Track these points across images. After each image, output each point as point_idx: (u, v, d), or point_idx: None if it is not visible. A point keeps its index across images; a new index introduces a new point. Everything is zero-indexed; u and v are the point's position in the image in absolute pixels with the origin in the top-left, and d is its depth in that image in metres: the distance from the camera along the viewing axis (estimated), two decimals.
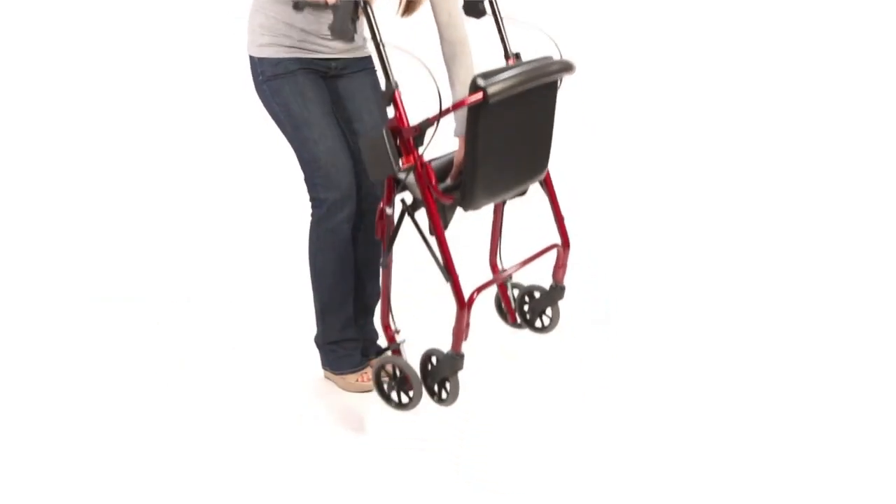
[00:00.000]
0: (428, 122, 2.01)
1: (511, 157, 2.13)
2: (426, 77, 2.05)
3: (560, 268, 2.44)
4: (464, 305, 2.10)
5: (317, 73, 2.42)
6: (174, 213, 4.15)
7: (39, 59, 4.27)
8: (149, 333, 3.21)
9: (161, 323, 3.26)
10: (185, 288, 3.48)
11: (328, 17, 2.30)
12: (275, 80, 2.38)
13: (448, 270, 2.10)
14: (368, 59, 2.52)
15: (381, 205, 2.20)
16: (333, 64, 2.44)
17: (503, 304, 2.63)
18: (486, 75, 1.97)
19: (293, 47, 2.37)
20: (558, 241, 2.40)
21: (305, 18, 2.32)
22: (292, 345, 2.96)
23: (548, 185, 2.38)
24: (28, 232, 4.01)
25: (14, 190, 4.36)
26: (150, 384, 3.09)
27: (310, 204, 2.48)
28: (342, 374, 2.66)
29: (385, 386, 2.31)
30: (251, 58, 2.42)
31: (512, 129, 2.09)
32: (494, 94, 1.94)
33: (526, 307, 2.62)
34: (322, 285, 2.54)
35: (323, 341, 2.64)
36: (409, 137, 2.03)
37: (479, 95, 1.93)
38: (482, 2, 2.36)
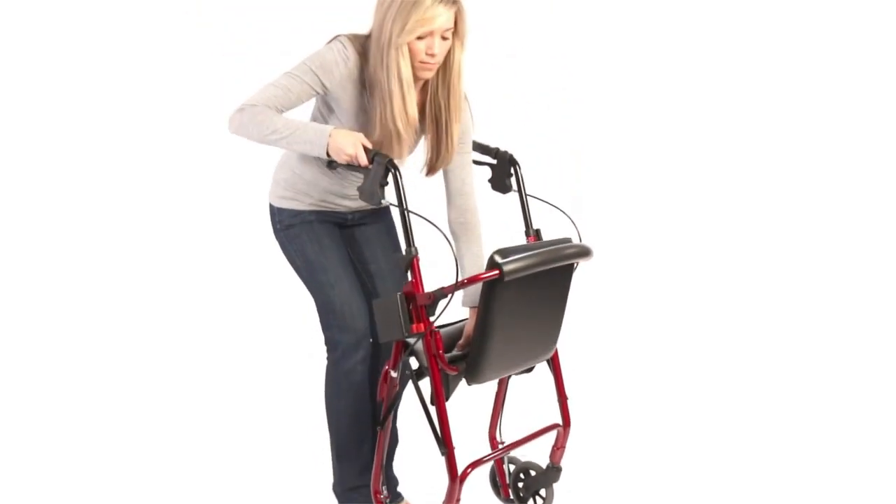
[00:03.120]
0: (443, 293, 2.01)
1: (521, 334, 2.13)
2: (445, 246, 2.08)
3: (559, 449, 2.40)
4: (456, 479, 2.06)
5: (333, 223, 2.47)
6: (174, 215, 4.08)
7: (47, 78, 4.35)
8: (149, 333, 3.18)
9: (161, 322, 3.24)
10: (185, 288, 3.46)
11: (353, 180, 2.34)
12: (292, 228, 2.42)
13: (444, 443, 2.07)
14: (384, 209, 2.54)
15: (386, 367, 2.19)
16: (350, 216, 2.49)
17: (497, 478, 2.58)
18: (504, 252, 1.99)
19: (312, 203, 2.42)
20: (560, 420, 2.38)
21: (330, 179, 2.36)
22: (293, 345, 2.89)
23: (554, 364, 2.37)
24: (29, 234, 3.96)
25: (15, 192, 4.20)
26: (150, 384, 3.02)
27: (324, 347, 2.46)
28: None
29: None
30: (271, 206, 2.48)
31: (524, 308, 2.10)
32: (510, 273, 1.96)
33: (521, 484, 2.56)
34: (339, 429, 2.48)
35: (341, 488, 2.53)
36: (422, 305, 2.04)
37: (496, 272, 1.96)
38: (510, 179, 2.43)
